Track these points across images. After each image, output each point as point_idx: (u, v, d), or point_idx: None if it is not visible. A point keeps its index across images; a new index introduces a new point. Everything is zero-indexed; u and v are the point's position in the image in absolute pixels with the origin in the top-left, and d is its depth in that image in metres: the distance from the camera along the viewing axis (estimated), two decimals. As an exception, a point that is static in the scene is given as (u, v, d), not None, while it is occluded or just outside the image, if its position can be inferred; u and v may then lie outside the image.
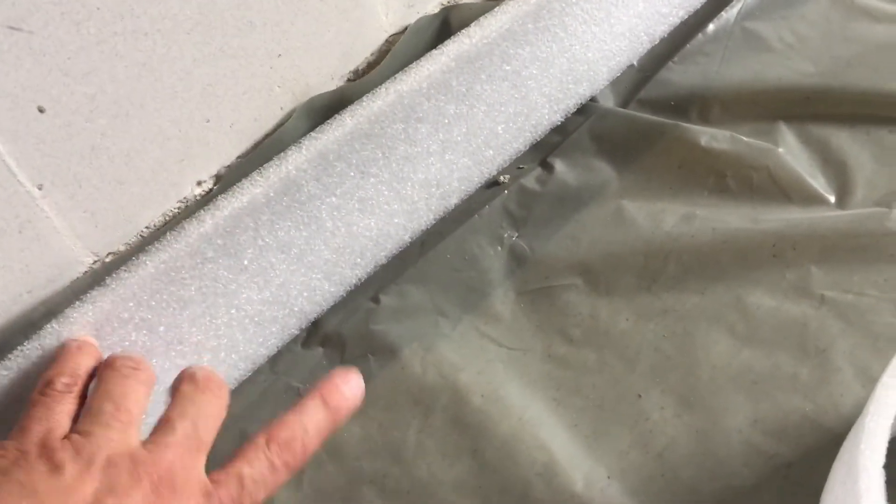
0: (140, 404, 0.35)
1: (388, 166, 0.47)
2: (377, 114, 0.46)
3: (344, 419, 0.36)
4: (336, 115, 0.46)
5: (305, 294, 0.46)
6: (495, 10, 0.50)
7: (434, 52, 0.48)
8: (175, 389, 0.36)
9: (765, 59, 0.55)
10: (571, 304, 0.47)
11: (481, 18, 0.50)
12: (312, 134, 0.46)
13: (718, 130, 0.51)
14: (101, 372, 0.36)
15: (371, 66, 0.53)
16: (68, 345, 0.37)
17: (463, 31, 0.49)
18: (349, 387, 0.36)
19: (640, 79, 0.56)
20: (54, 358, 0.37)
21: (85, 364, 0.37)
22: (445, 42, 0.49)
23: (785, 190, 0.49)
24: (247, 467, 0.33)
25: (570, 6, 0.52)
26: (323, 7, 0.47)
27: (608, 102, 0.55)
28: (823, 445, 0.39)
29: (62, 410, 0.34)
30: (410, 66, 0.48)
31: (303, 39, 0.47)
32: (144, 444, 0.33)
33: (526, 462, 0.41)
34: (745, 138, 0.50)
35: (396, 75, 0.48)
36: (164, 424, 0.34)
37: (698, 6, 0.58)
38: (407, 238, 0.49)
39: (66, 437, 0.33)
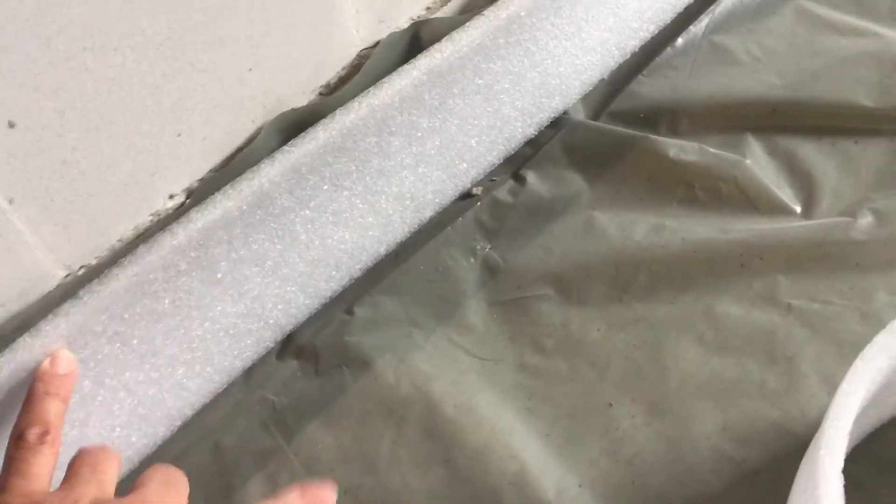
0: (112, 474, 0.35)
1: (361, 179, 0.47)
2: (350, 127, 0.46)
3: None
4: (309, 129, 0.47)
5: (280, 307, 0.46)
6: (466, 25, 0.51)
7: (406, 66, 0.49)
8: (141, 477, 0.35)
9: (732, 72, 0.56)
10: (544, 315, 0.47)
11: (453, 33, 0.50)
12: (285, 147, 0.46)
13: (687, 142, 0.52)
14: (76, 454, 0.36)
15: (343, 80, 0.54)
16: (34, 390, 0.37)
17: (435, 45, 0.50)
18: (327, 492, 0.35)
19: (610, 92, 0.57)
20: (23, 406, 0.36)
21: (54, 409, 0.36)
22: (417, 56, 0.49)
23: (752, 200, 0.49)
24: None
25: (540, 21, 0.52)
26: (294, 22, 0.47)
27: (579, 115, 0.56)
28: (790, 452, 0.40)
29: (40, 462, 0.34)
30: (383, 80, 0.48)
31: (274, 54, 0.47)
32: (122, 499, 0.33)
33: (498, 471, 0.41)
34: (713, 150, 0.51)
35: (369, 89, 0.48)
36: (135, 487, 0.34)
37: (668, 20, 0.59)
38: (382, 250, 0.49)
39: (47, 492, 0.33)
